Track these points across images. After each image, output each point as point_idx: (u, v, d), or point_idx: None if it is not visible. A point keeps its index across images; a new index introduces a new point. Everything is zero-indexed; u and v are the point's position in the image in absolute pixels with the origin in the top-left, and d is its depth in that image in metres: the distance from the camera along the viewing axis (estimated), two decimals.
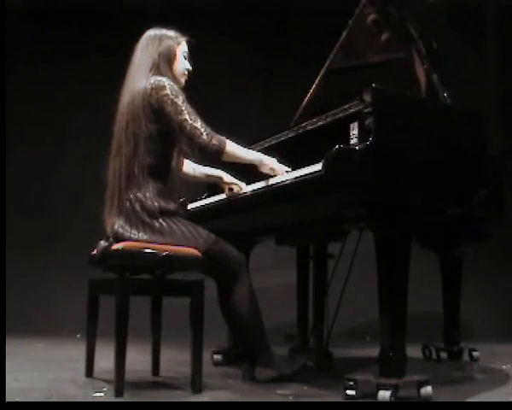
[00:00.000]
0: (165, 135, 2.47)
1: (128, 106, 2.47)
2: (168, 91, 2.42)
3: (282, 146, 2.77)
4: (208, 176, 2.90)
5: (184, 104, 2.42)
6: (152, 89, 2.43)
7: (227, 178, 2.81)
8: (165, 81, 2.44)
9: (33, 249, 5.24)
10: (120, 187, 2.44)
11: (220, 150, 2.43)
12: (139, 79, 2.49)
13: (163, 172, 2.49)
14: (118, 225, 2.42)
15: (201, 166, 2.88)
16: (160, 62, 2.52)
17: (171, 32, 2.61)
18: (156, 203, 2.42)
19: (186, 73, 2.64)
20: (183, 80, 2.62)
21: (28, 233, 5.29)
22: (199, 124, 2.41)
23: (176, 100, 2.41)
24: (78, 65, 5.34)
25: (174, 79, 2.55)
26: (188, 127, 2.40)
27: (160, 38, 2.57)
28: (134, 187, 2.43)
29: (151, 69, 2.50)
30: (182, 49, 2.61)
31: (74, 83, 5.43)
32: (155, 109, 2.43)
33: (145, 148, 2.43)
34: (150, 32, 2.61)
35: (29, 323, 4.82)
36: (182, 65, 2.61)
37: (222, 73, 5.28)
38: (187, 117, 2.40)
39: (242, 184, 2.73)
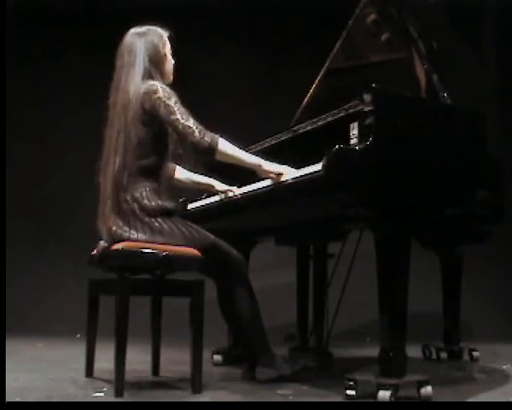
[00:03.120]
0: (158, 137, 2.48)
1: (119, 116, 2.46)
2: (161, 94, 2.42)
3: (283, 146, 2.77)
4: (200, 184, 2.91)
5: (177, 105, 2.43)
6: (145, 93, 2.43)
7: (219, 186, 2.82)
8: (157, 85, 2.45)
9: (33, 249, 5.24)
10: (114, 192, 2.43)
11: (213, 147, 2.42)
12: (132, 84, 2.47)
13: (155, 172, 2.50)
14: (115, 226, 2.41)
15: (193, 174, 2.88)
16: (150, 69, 2.52)
17: (155, 32, 2.59)
18: (153, 202, 2.42)
19: (172, 69, 2.65)
20: (171, 77, 2.64)
21: (28, 233, 5.28)
22: (191, 122, 2.41)
23: (168, 102, 2.42)
24: (78, 65, 5.34)
25: (164, 78, 2.57)
26: (180, 126, 2.41)
27: (146, 40, 2.55)
28: (129, 187, 2.42)
29: (143, 76, 2.49)
30: (167, 47, 2.61)
31: (74, 83, 5.42)
32: (148, 113, 2.44)
33: (136, 154, 2.43)
34: (134, 34, 2.58)
35: (29, 323, 4.82)
36: (170, 64, 2.63)
37: (221, 73, 5.28)
38: (179, 117, 2.41)
39: (234, 189, 2.74)
